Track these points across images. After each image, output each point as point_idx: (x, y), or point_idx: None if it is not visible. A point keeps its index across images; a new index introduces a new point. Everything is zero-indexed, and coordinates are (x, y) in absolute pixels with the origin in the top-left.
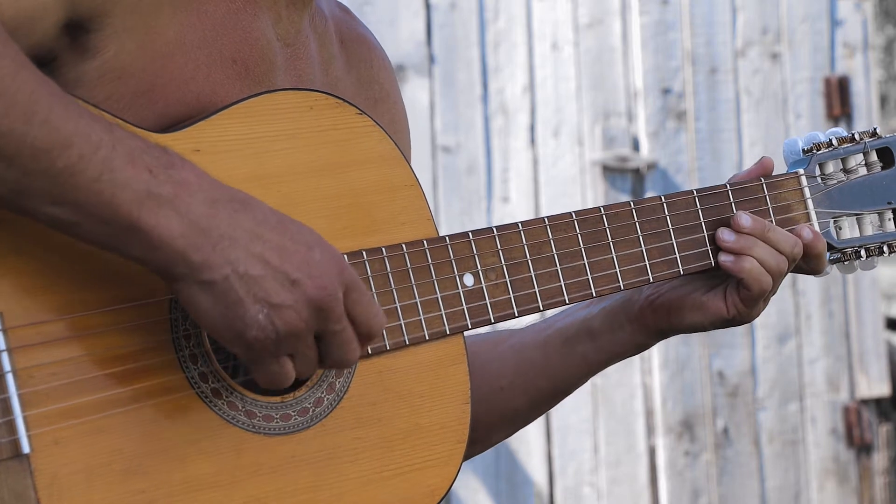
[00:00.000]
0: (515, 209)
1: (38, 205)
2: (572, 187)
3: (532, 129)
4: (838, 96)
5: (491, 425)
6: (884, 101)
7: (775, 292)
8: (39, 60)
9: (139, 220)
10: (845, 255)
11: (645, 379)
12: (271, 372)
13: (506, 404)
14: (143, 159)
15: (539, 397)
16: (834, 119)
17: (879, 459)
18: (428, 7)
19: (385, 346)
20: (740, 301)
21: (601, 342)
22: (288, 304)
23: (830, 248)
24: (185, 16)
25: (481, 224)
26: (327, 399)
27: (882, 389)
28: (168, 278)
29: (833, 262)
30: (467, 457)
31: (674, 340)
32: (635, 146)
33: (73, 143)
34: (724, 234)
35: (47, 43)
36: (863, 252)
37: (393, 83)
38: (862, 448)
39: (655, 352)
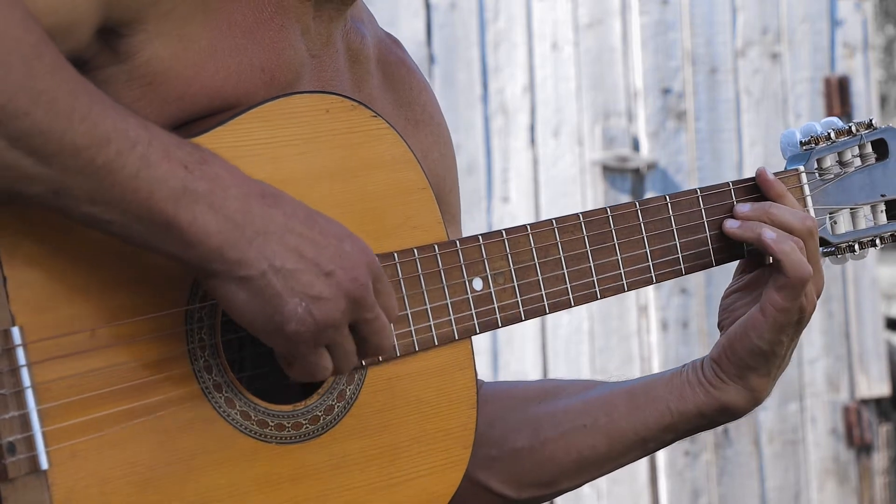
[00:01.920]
0: (515, 209)
1: (75, 203)
2: (572, 187)
3: (532, 129)
4: (838, 96)
5: (565, 468)
6: (884, 101)
7: (817, 283)
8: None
9: (176, 217)
10: (839, 248)
11: None
12: (310, 364)
13: (584, 443)
14: (178, 155)
15: (617, 440)
16: None
17: (879, 459)
18: (428, 7)
19: (395, 352)
20: (778, 297)
21: (686, 393)
22: (326, 296)
23: (825, 243)
24: (216, 24)
25: (481, 224)
26: (338, 407)
27: (882, 389)
28: (204, 275)
29: (826, 255)
30: (533, 502)
31: (673, 340)
32: (635, 146)
33: (111, 140)
34: (728, 223)
35: (80, 48)
36: (856, 246)
37: (435, 106)
38: (862, 448)
39: (655, 352)
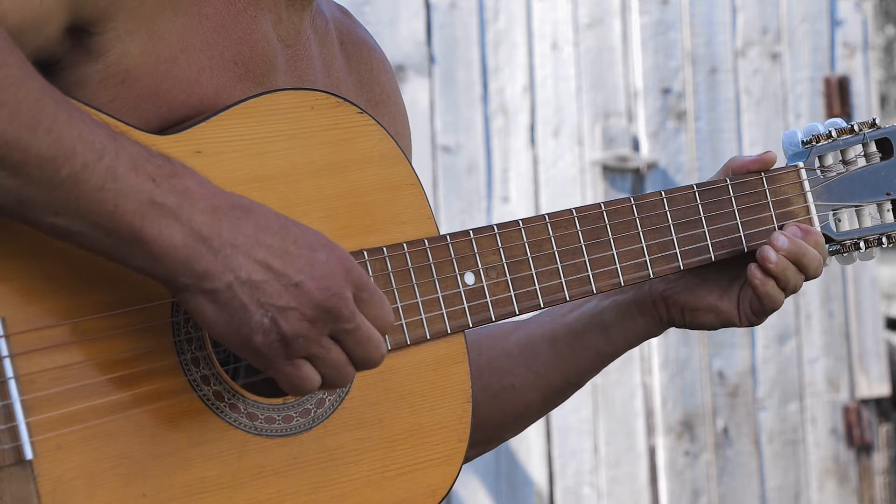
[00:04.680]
0: (515, 209)
1: (41, 214)
2: (572, 187)
3: (532, 129)
4: (838, 96)
5: (502, 424)
6: (884, 101)
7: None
8: (42, 64)
9: (142, 230)
10: (844, 246)
11: (645, 379)
12: (288, 375)
13: (517, 402)
14: (146, 168)
15: (551, 392)
16: None
17: (879, 459)
18: (428, 7)
19: (387, 346)
20: (752, 314)
21: (613, 335)
22: (292, 307)
23: (830, 240)
24: (186, 19)
25: (481, 224)
26: (329, 400)
27: (882, 389)
28: (172, 288)
29: (832, 253)
30: (477, 455)
31: (674, 340)
32: (635, 146)
33: (77, 152)
34: (768, 254)
35: (50, 47)
36: (862, 244)
37: (393, 86)
38: (862, 448)
39: (655, 352)
